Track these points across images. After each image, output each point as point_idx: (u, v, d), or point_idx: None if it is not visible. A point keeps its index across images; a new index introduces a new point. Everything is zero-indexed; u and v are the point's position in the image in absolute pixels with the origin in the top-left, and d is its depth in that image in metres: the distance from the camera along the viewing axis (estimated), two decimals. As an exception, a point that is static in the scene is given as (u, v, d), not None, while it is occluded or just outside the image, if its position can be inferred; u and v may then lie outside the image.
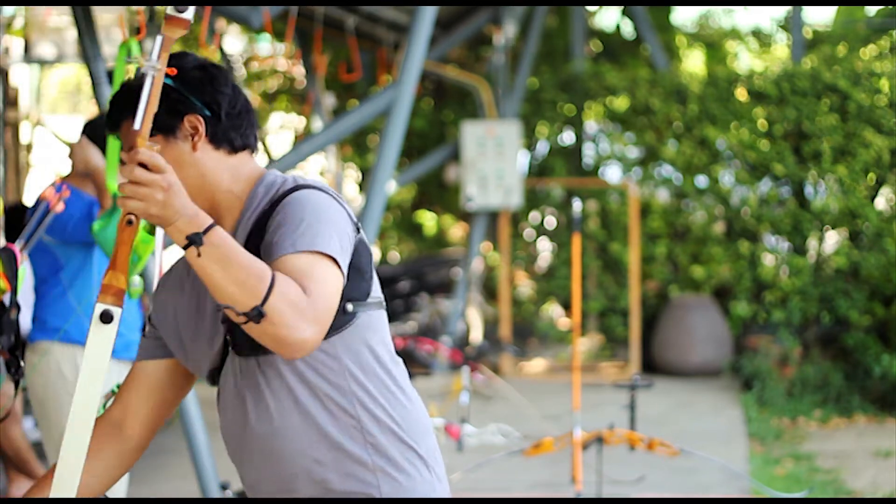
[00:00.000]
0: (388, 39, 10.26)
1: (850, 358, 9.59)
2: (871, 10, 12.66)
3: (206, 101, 2.27)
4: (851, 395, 9.22)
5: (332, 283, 2.15)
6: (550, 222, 11.52)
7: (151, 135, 2.19)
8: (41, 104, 13.46)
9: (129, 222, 2.06)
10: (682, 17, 16.91)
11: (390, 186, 8.64)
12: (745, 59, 15.07)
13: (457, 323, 10.76)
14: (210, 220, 2.07)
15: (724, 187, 10.61)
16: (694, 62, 15.00)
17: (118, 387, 3.19)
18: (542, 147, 11.60)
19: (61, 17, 10.72)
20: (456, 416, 7.49)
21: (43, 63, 12.09)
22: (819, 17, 19.13)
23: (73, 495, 2.14)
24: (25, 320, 4.41)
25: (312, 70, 10.44)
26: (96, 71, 5.15)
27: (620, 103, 11.12)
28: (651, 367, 10.40)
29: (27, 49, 11.20)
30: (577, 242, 5.92)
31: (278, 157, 7.33)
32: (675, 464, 6.68)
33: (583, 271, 10.72)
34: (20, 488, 5.66)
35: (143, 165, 2.04)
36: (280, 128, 14.62)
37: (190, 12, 2.09)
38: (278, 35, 10.78)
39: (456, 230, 13.97)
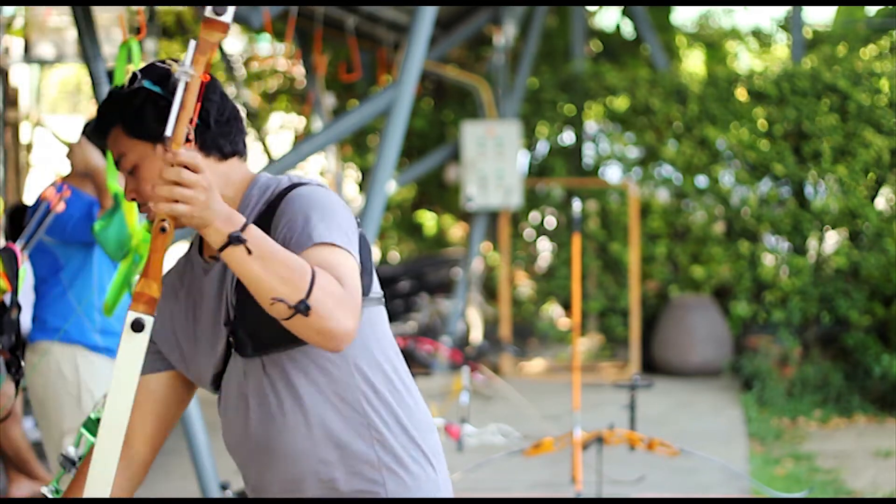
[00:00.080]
0: (388, 39, 10.26)
1: (850, 358, 9.59)
2: (871, 10, 12.66)
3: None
4: (851, 395, 9.21)
5: (355, 274, 2.17)
6: (550, 222, 11.52)
7: (140, 139, 2.21)
8: (41, 104, 13.46)
9: (163, 229, 2.02)
10: (682, 17, 16.92)
11: (390, 186, 8.64)
12: (745, 59, 15.07)
13: (457, 323, 10.76)
14: (244, 218, 2.05)
15: (724, 187, 10.61)
16: (694, 62, 15.00)
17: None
18: (542, 147, 11.60)
19: (61, 17, 10.72)
20: (456, 416, 7.49)
21: (43, 63, 12.08)
22: (819, 17, 19.15)
23: None
24: (25, 320, 4.41)
25: (312, 70, 10.44)
26: (96, 71, 5.15)
27: (620, 103, 11.12)
28: (651, 367, 10.40)
29: (27, 49, 11.20)
30: (577, 242, 5.92)
31: (278, 157, 7.33)
32: (675, 464, 6.68)
33: (583, 271, 10.72)
34: (20, 488, 5.66)
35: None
36: (280, 128, 14.63)
37: (229, 14, 2.05)
38: (278, 35, 10.78)
39: (456, 230, 13.97)
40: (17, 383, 3.31)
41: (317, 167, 12.83)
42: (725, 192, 10.60)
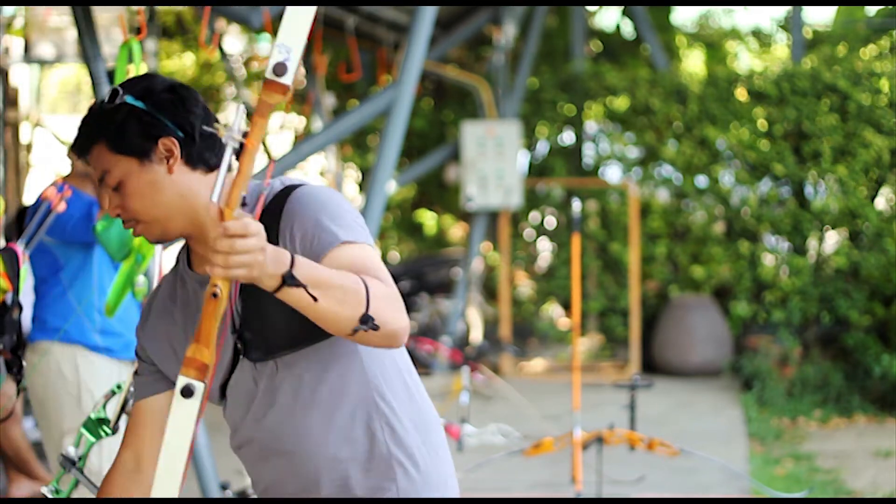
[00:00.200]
0: (388, 39, 10.26)
1: (850, 358, 9.59)
2: (871, 10, 12.66)
3: (179, 123, 2.23)
4: (851, 395, 9.21)
5: (383, 265, 2.19)
6: (550, 222, 11.52)
7: (124, 155, 2.20)
8: (41, 104, 13.45)
9: (215, 294, 1.97)
10: (682, 17, 16.92)
11: (390, 186, 8.63)
12: (745, 59, 15.07)
13: (457, 323, 10.77)
14: (287, 254, 2.01)
15: (724, 187, 10.61)
16: (694, 62, 15.00)
17: (118, 387, 3.20)
18: (542, 147, 11.60)
19: (61, 17, 10.71)
20: (456, 416, 7.49)
21: (43, 63, 12.08)
22: (819, 17, 19.14)
23: None
24: (25, 320, 4.41)
25: (312, 70, 10.44)
26: (96, 71, 5.15)
27: (620, 103, 11.12)
28: (651, 367, 10.40)
29: (27, 49, 11.18)
30: (576, 242, 5.92)
31: (278, 157, 7.33)
32: (675, 464, 6.68)
33: (583, 271, 10.72)
34: (20, 488, 5.66)
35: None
36: (280, 128, 14.62)
37: (289, 76, 1.97)
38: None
39: (456, 230, 13.97)
40: (17, 383, 3.31)
41: (317, 167, 12.83)
42: (725, 192, 10.60)
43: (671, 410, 8.82)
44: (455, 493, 2.38)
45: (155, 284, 3.59)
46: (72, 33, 10.66)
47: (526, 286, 12.26)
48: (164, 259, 4.01)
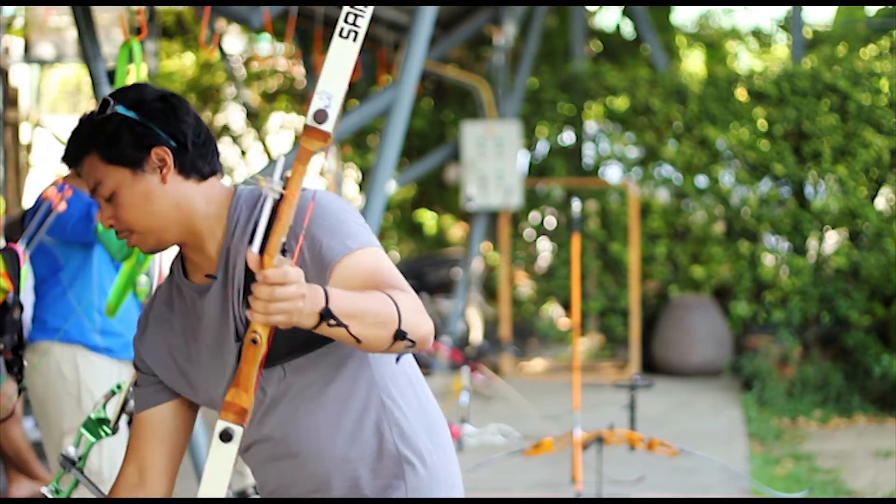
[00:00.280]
0: (388, 39, 10.26)
1: (850, 358, 9.59)
2: (871, 10, 12.66)
3: (171, 132, 2.22)
4: (851, 395, 9.22)
5: (393, 265, 2.20)
6: (550, 222, 11.52)
7: (117, 165, 2.19)
8: (41, 104, 13.46)
9: (255, 341, 1.99)
10: (682, 17, 16.93)
11: (390, 186, 8.64)
12: (745, 59, 15.07)
13: (457, 323, 10.77)
14: (321, 290, 2.02)
15: (724, 187, 10.61)
16: (694, 62, 15.00)
17: (118, 387, 3.20)
18: (542, 147, 11.61)
19: (61, 17, 10.71)
20: (456, 416, 7.49)
21: (43, 63, 12.08)
22: (819, 17, 19.15)
23: None
24: (25, 320, 4.41)
25: (312, 70, 10.44)
26: (96, 71, 5.15)
27: (620, 103, 11.12)
28: (651, 367, 10.40)
29: (27, 49, 11.19)
30: (576, 242, 5.92)
31: (278, 158, 7.32)
32: (675, 464, 6.68)
33: (583, 271, 10.72)
34: (20, 488, 5.66)
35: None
36: (280, 128, 14.62)
37: (330, 123, 1.98)
38: (278, 35, 10.78)
39: (456, 230, 13.97)
40: (18, 383, 3.31)
41: (317, 167, 12.83)
42: (725, 192, 10.60)
43: (671, 410, 8.82)
44: (461, 493, 2.39)
45: (156, 284, 3.59)
46: (72, 33, 10.66)
47: (526, 286, 12.26)
48: (166, 259, 4.01)
